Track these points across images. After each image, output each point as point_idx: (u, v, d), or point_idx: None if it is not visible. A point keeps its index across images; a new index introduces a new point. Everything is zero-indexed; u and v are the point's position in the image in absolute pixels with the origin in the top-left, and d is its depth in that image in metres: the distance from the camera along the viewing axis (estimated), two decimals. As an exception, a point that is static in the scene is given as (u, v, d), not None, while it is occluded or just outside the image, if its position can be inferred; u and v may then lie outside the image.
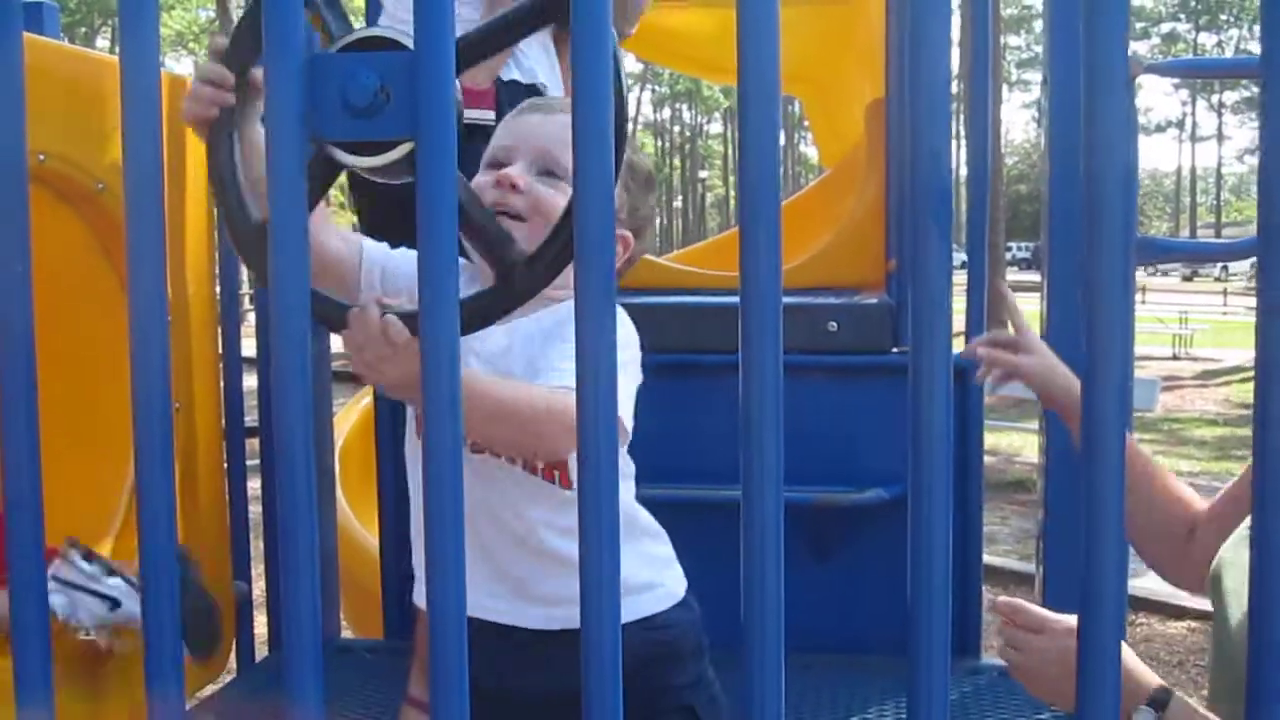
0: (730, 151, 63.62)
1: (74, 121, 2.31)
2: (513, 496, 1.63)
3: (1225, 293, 33.21)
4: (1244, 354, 17.83)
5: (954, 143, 0.97)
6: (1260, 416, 0.92)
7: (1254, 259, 1.41)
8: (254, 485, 2.97)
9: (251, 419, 3.06)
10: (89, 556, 2.23)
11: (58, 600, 2.16)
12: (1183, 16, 64.35)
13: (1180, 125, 74.71)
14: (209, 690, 2.85)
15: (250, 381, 2.93)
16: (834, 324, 3.08)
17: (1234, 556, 1.49)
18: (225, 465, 2.96)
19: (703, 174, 71.36)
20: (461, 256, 1.02)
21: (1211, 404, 13.96)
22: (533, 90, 2.61)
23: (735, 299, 0.93)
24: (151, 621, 1.03)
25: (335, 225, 1.57)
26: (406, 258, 1.65)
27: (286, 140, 0.97)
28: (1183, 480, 1.81)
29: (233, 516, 2.98)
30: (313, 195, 1.23)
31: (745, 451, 0.93)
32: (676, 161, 72.91)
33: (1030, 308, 2.01)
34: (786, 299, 0.94)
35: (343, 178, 1.23)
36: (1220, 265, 41.53)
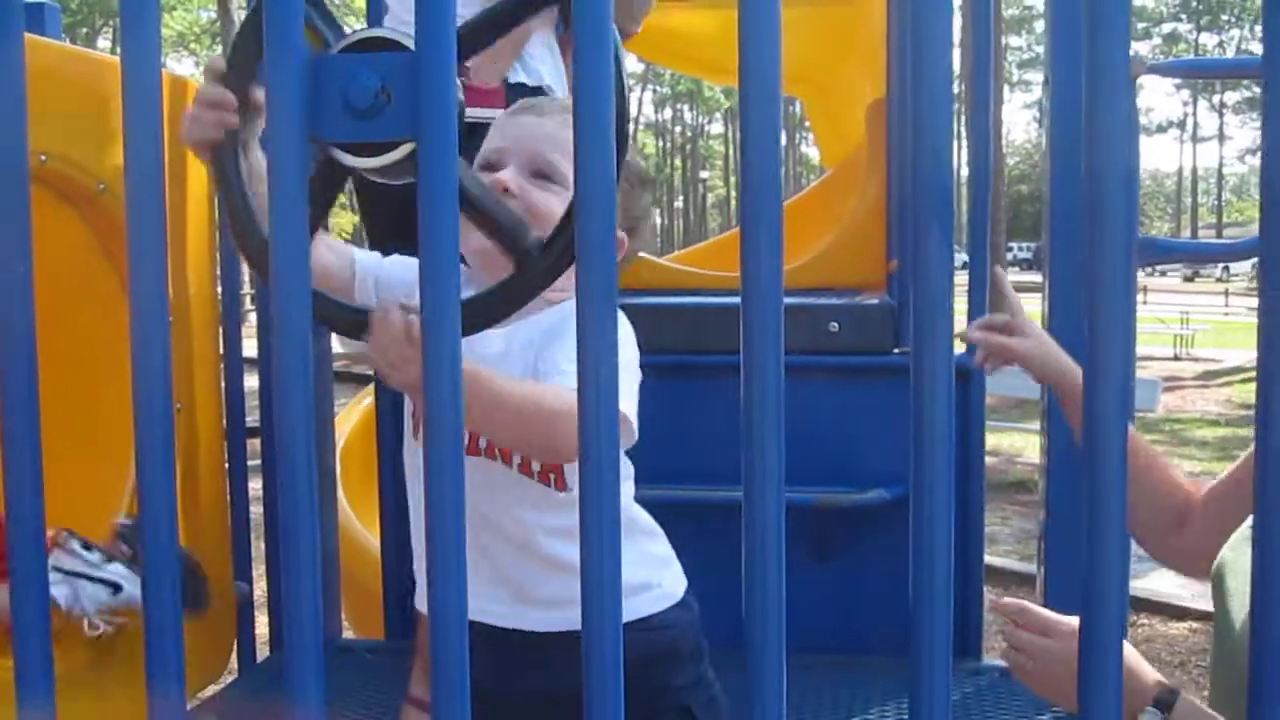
0: (731, 152, 63.65)
1: (75, 122, 2.31)
2: (508, 500, 1.63)
3: (1227, 293, 33.19)
4: (1245, 354, 17.83)
5: (955, 143, 0.97)
6: (1262, 417, 0.92)
7: (1255, 259, 1.41)
8: (255, 486, 2.97)
9: (253, 419, 3.07)
10: (87, 545, 2.24)
11: (60, 591, 2.16)
12: (1184, 17, 64.35)
13: (1182, 126, 74.71)
14: (210, 690, 2.85)
15: (251, 382, 2.93)
16: (835, 324, 3.08)
17: (1236, 557, 1.49)
18: (226, 465, 2.96)
19: (704, 174, 71.37)
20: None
21: (1213, 404, 13.96)
22: (538, 92, 2.62)
23: (736, 299, 0.93)
24: (152, 622, 1.03)
25: (326, 237, 1.57)
26: (399, 264, 1.65)
27: (287, 141, 0.97)
28: (1184, 479, 1.82)
29: (234, 517, 2.98)
30: (321, 205, 1.23)
31: (747, 452, 0.93)
32: (678, 162, 72.91)
33: (1032, 308, 2.03)
34: (788, 299, 0.94)
35: None
36: (1221, 266, 41.50)
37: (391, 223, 2.80)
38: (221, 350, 2.97)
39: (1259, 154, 0.92)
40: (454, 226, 0.95)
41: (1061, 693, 1.41)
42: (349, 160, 1.08)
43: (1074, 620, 1.37)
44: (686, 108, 70.68)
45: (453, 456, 0.95)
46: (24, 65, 1.05)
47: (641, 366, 1.63)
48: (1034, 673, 1.45)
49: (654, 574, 1.72)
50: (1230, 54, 46.27)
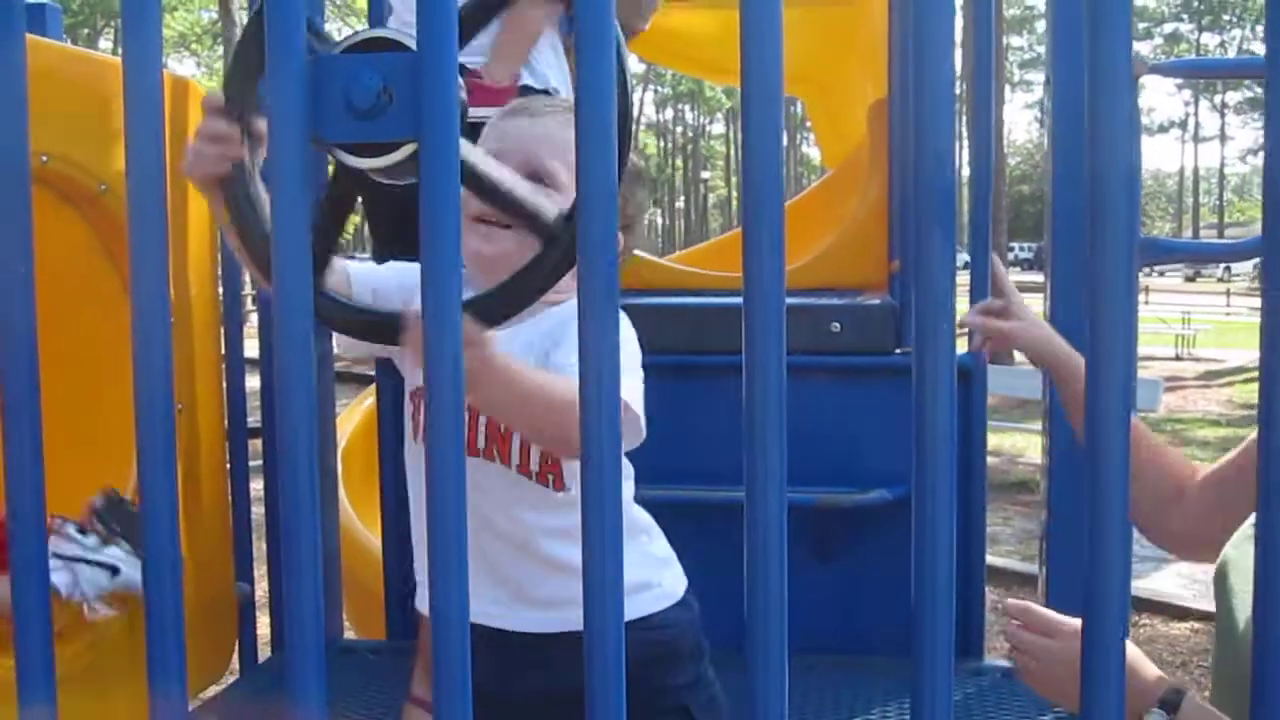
0: (733, 152, 63.64)
1: (76, 123, 2.32)
2: (506, 500, 1.63)
3: (1228, 293, 33.17)
4: (1247, 355, 17.82)
5: (956, 143, 0.97)
6: (1265, 417, 0.92)
7: (1257, 259, 1.41)
8: (257, 486, 2.98)
9: (254, 420, 3.07)
10: (82, 529, 2.24)
11: (60, 578, 2.16)
12: (1185, 17, 64.32)
13: (1183, 126, 74.68)
14: (212, 691, 2.85)
15: (253, 382, 2.94)
16: (837, 325, 3.08)
17: (1239, 555, 1.49)
18: (228, 466, 2.97)
19: (705, 175, 71.35)
20: None
21: (1214, 404, 13.95)
22: (545, 95, 2.62)
23: (738, 300, 0.93)
24: (153, 621, 1.03)
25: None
26: (394, 270, 1.65)
27: (288, 142, 0.97)
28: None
29: (235, 517, 2.98)
30: (338, 216, 1.23)
31: (748, 452, 0.93)
32: (679, 162, 72.91)
33: (1034, 309, 2.04)
34: (789, 300, 0.93)
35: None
36: (1223, 266, 41.50)
37: (392, 223, 2.81)
38: (223, 351, 2.97)
39: (1260, 154, 0.92)
40: (455, 226, 0.95)
41: (1064, 693, 1.41)
42: (351, 160, 1.08)
43: (1077, 621, 1.38)
44: (688, 108, 70.69)
45: (454, 457, 0.95)
46: (25, 66, 1.05)
47: (643, 366, 1.64)
48: (1037, 673, 1.45)
49: (654, 574, 1.72)
50: (1232, 54, 46.25)
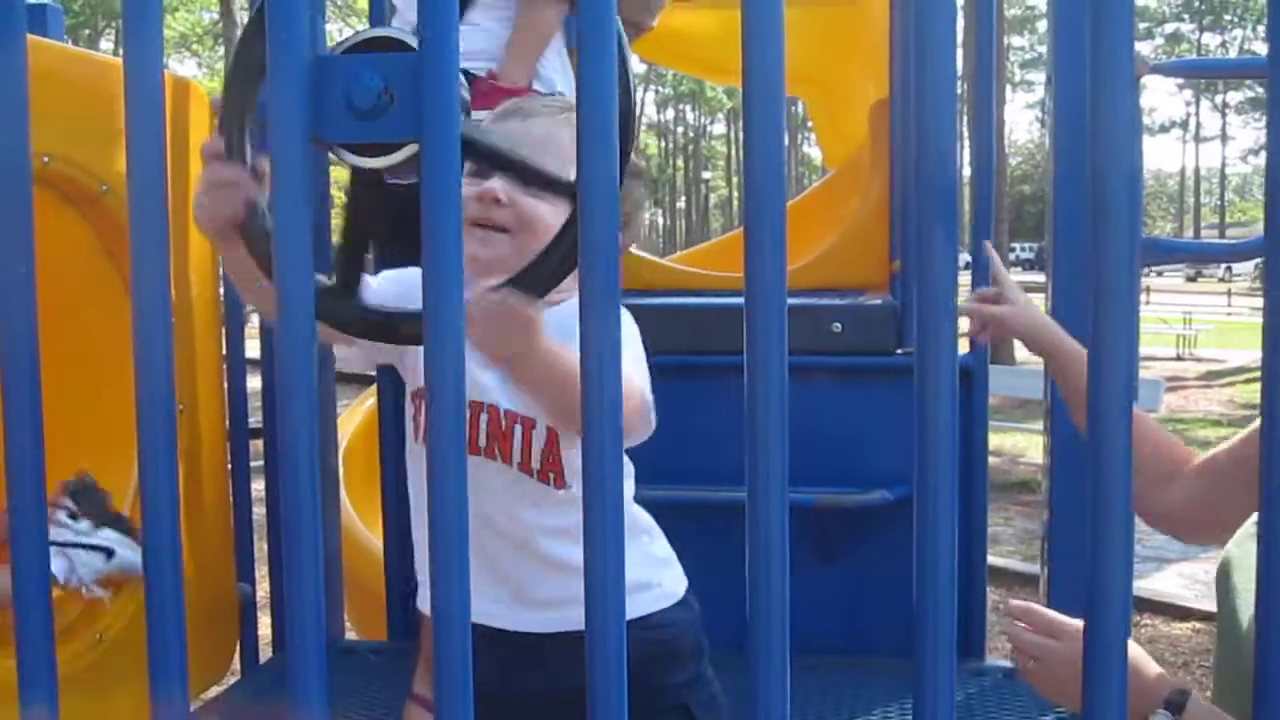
0: (734, 152, 63.63)
1: (78, 123, 2.32)
2: (507, 499, 1.63)
3: (1229, 293, 33.17)
4: (1248, 355, 17.81)
5: (957, 143, 0.97)
6: (1267, 417, 0.92)
7: (1258, 259, 1.41)
8: (258, 487, 2.97)
9: (255, 420, 3.07)
10: (73, 515, 2.24)
11: (57, 565, 2.16)
12: (1186, 16, 64.29)
13: (1184, 126, 74.66)
14: (213, 691, 2.85)
15: (254, 383, 2.94)
16: (838, 325, 3.08)
17: (1242, 554, 1.49)
18: (229, 466, 2.97)
19: (706, 175, 71.35)
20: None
21: (1215, 404, 13.94)
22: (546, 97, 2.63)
23: (739, 300, 0.93)
24: (155, 622, 1.03)
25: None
26: (389, 280, 1.64)
27: (289, 142, 0.97)
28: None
29: (237, 518, 2.98)
30: (372, 229, 1.23)
31: (750, 453, 0.93)
32: (680, 162, 72.91)
33: (1035, 308, 2.05)
34: (790, 300, 0.93)
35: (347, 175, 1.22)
36: (1224, 266, 41.50)
37: (392, 222, 2.80)
38: (224, 351, 2.97)
39: (1262, 153, 0.92)
40: (456, 226, 0.95)
41: (1067, 693, 1.41)
42: (353, 160, 1.08)
43: (1080, 622, 1.38)
44: (689, 108, 70.68)
45: (455, 457, 0.95)
46: (26, 66, 1.05)
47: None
48: (1039, 674, 1.45)
49: (654, 573, 1.73)
50: (1233, 54, 46.24)
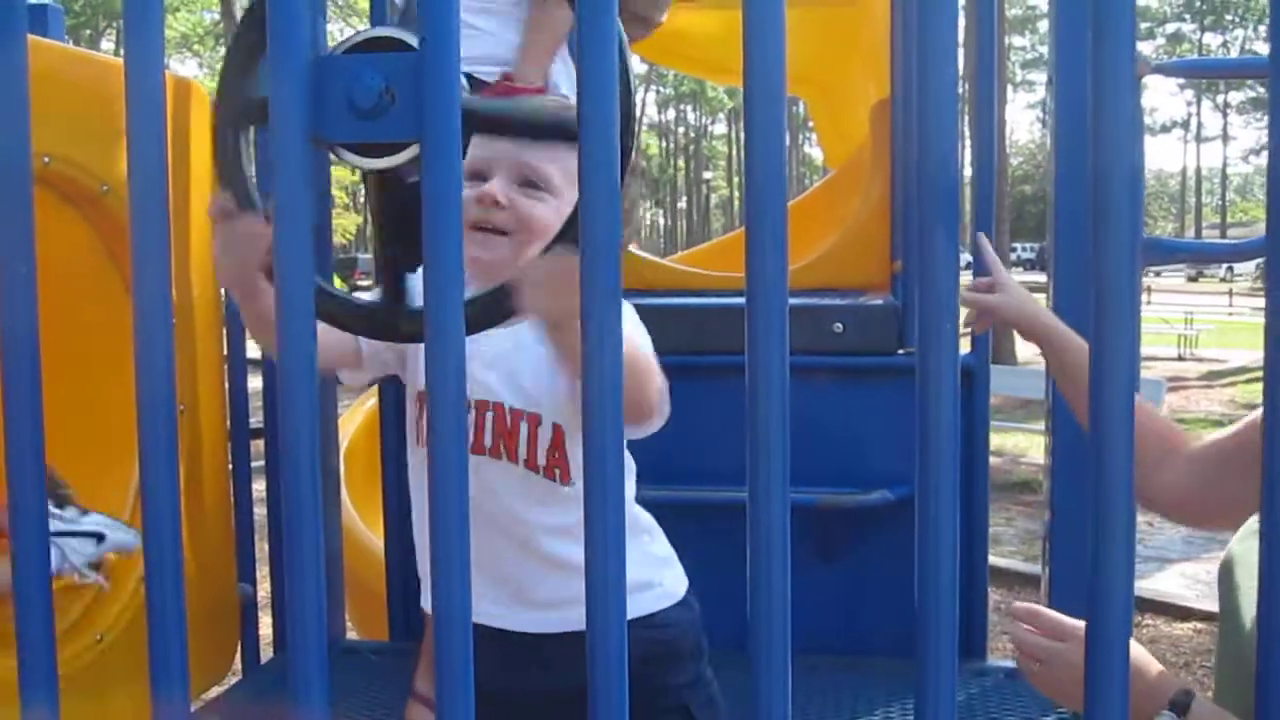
0: (735, 152, 63.66)
1: (78, 124, 2.32)
2: (512, 498, 1.63)
3: (1230, 293, 33.16)
4: (1249, 355, 17.82)
5: (959, 143, 0.97)
6: (1269, 417, 0.92)
7: (1260, 259, 1.41)
8: (259, 487, 2.98)
9: (256, 420, 3.07)
10: (60, 504, 2.25)
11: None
12: (1188, 16, 64.29)
13: (1186, 126, 74.65)
14: (214, 692, 2.85)
15: (255, 383, 2.94)
16: (839, 325, 3.08)
17: (1244, 551, 1.48)
18: (230, 467, 2.97)
19: (707, 175, 71.37)
20: None
21: (1217, 405, 13.94)
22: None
23: (741, 300, 0.93)
24: (155, 623, 1.03)
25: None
26: None
27: (290, 142, 0.97)
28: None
29: (238, 518, 2.99)
30: (404, 232, 1.22)
31: (751, 453, 0.93)
32: (681, 163, 72.93)
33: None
34: (792, 300, 0.93)
35: (353, 176, 1.22)
36: (1225, 266, 41.49)
37: (394, 222, 2.80)
38: (225, 351, 2.97)
39: (1263, 153, 0.92)
40: (457, 226, 0.95)
41: (1072, 695, 1.41)
42: (354, 160, 1.08)
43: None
44: (690, 108, 70.70)
45: (457, 456, 0.95)
46: (27, 67, 1.05)
47: None
48: (1042, 675, 1.45)
49: (655, 573, 1.73)
50: (1234, 54, 46.22)
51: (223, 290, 2.93)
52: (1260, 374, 0.94)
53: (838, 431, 3.02)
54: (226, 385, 2.95)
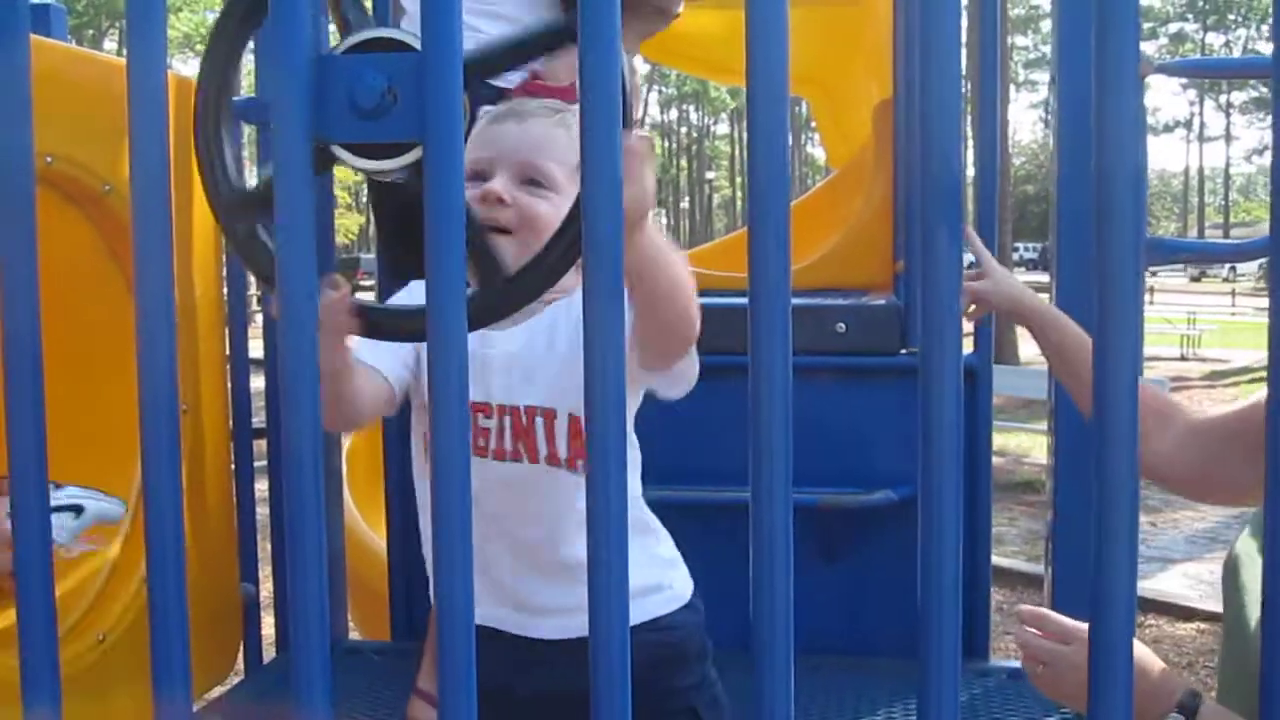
0: (737, 152, 63.63)
1: (81, 124, 2.32)
2: (535, 500, 1.63)
3: (1233, 293, 33.15)
4: (1252, 355, 17.81)
5: (961, 143, 0.97)
6: (1272, 416, 0.92)
7: (1262, 259, 1.41)
8: (261, 487, 2.98)
9: (259, 420, 3.07)
10: None
11: None
12: (1190, 16, 64.27)
13: (1188, 125, 74.62)
14: (217, 692, 2.85)
15: (257, 383, 2.94)
16: (842, 325, 3.08)
17: (1249, 551, 1.48)
18: (233, 467, 2.97)
19: (709, 175, 71.35)
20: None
21: (1219, 405, 13.91)
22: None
23: (743, 300, 0.93)
24: (158, 622, 1.03)
25: (357, 366, 1.55)
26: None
27: (292, 141, 0.97)
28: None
29: (240, 518, 2.99)
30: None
31: (754, 453, 0.93)
32: (683, 163, 72.94)
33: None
34: (794, 300, 0.93)
35: (355, 175, 1.22)
36: (1228, 266, 41.47)
37: (395, 221, 2.81)
38: (227, 351, 2.97)
39: (1266, 153, 0.91)
40: (460, 226, 0.95)
41: (1077, 698, 1.41)
42: (356, 161, 1.07)
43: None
44: (692, 108, 70.73)
45: (459, 454, 0.95)
46: (30, 67, 1.05)
47: None
48: (1047, 678, 1.45)
49: (664, 575, 1.73)
50: (1237, 54, 46.20)
51: (225, 290, 2.93)
52: (1263, 374, 0.94)
53: (840, 432, 3.01)
54: (229, 385, 2.95)
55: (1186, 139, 75.45)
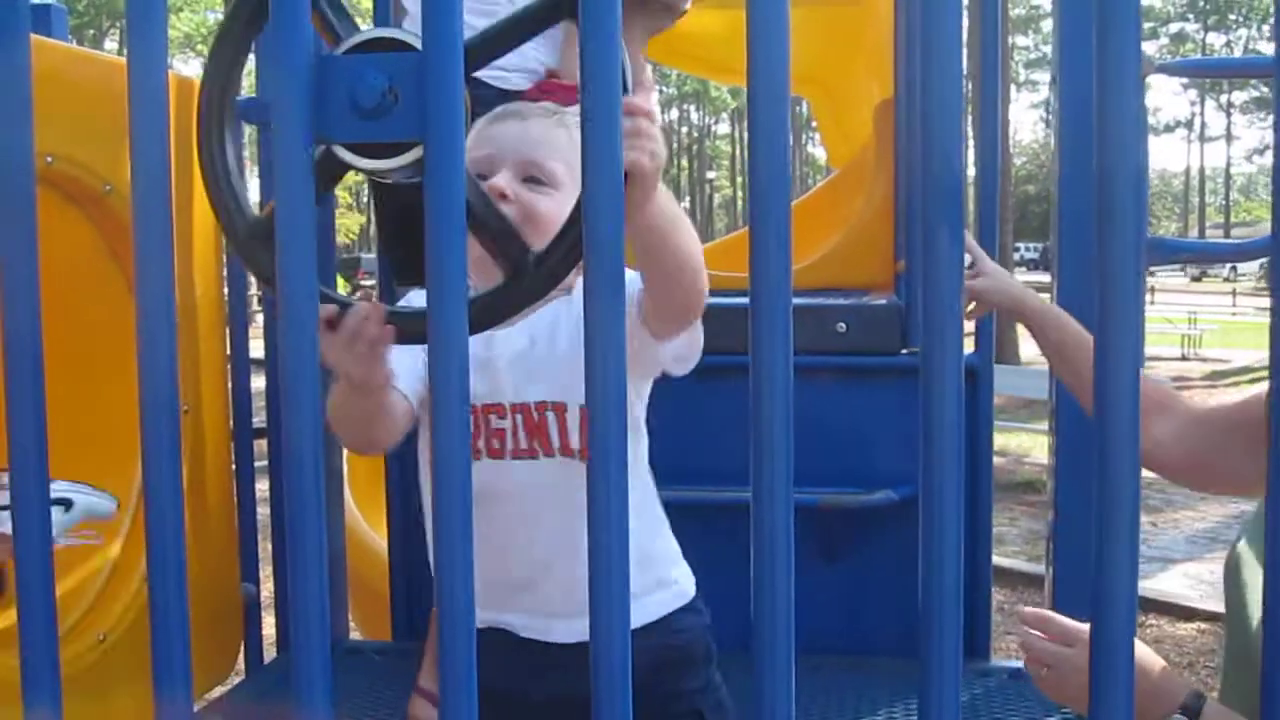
0: (738, 152, 63.66)
1: (81, 124, 2.32)
2: (555, 496, 1.60)
3: (1234, 293, 33.15)
4: (1253, 354, 17.81)
5: (962, 143, 0.97)
6: (1273, 416, 0.92)
7: (1263, 259, 1.41)
8: (262, 487, 2.97)
9: (259, 420, 3.07)
10: None
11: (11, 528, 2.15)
12: (1191, 16, 64.27)
13: (1189, 125, 74.61)
14: (217, 692, 2.85)
15: (258, 383, 2.93)
16: (843, 325, 3.08)
17: (1251, 550, 1.48)
18: (233, 467, 2.97)
19: (710, 175, 71.38)
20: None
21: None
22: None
23: (744, 299, 0.93)
24: (159, 622, 1.03)
25: (394, 388, 1.56)
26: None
27: (293, 141, 0.97)
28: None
29: (241, 518, 2.98)
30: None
31: (755, 453, 0.93)
32: (684, 162, 72.93)
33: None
34: (795, 300, 0.93)
35: (356, 175, 1.21)
36: (1229, 265, 41.48)
37: (396, 221, 2.80)
38: (228, 351, 2.97)
39: (1267, 153, 0.91)
40: (461, 227, 0.95)
41: (1080, 700, 1.41)
42: (357, 161, 1.07)
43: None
44: (693, 108, 70.73)
45: (460, 454, 0.95)
46: (30, 67, 1.05)
47: None
48: (1050, 680, 1.45)
49: (672, 569, 1.73)
50: (1238, 54, 46.17)
51: (226, 290, 2.93)
52: (1264, 374, 0.94)
53: (841, 431, 3.01)
54: (229, 385, 2.95)
55: (1187, 139, 75.47)
